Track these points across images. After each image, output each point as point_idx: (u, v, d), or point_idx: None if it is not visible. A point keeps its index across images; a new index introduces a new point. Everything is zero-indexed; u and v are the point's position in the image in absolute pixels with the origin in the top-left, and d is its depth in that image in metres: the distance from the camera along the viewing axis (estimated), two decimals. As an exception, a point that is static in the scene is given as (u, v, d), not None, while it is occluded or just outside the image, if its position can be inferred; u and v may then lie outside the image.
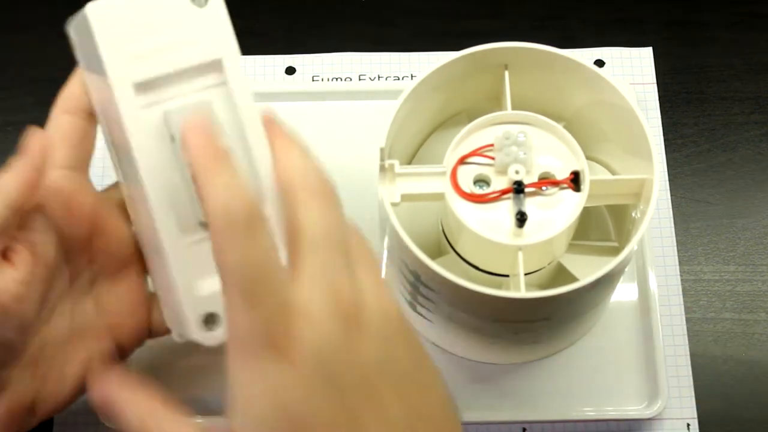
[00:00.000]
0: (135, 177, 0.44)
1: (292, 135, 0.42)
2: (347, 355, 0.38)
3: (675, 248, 0.63)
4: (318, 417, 0.37)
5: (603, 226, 0.59)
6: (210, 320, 0.44)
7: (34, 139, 0.45)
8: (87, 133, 0.47)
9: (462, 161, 0.53)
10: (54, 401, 0.48)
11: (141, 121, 0.43)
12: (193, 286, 0.44)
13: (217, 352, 0.43)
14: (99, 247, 0.48)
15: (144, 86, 0.43)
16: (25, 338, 0.46)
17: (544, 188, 0.52)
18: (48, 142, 0.45)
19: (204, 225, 0.44)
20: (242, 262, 0.37)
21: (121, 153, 0.46)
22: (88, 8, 0.43)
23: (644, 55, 0.68)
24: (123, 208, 0.49)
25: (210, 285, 0.44)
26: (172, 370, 0.57)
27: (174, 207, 0.44)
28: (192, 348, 0.46)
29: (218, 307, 0.44)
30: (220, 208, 0.37)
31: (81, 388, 0.49)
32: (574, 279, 0.54)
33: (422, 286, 0.52)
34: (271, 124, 0.42)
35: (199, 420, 0.51)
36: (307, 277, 0.38)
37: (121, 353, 0.50)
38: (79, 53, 0.47)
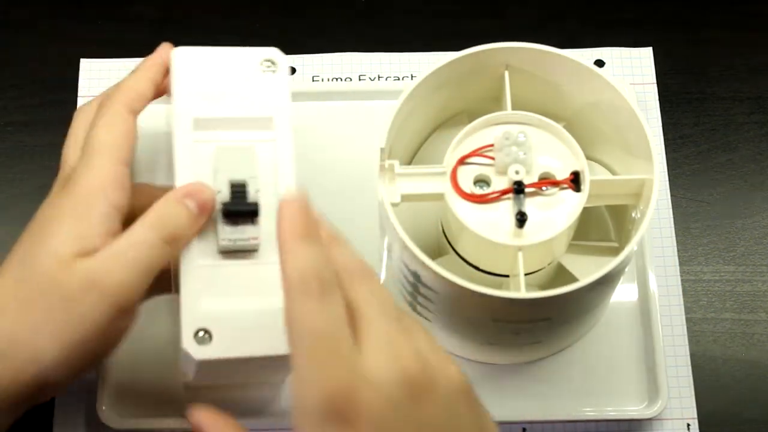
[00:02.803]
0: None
1: (328, 225, 0.44)
2: (413, 422, 0.39)
3: (675, 248, 0.63)
4: None
5: (603, 226, 0.59)
6: (202, 335, 0.47)
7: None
8: (134, 134, 0.51)
9: (462, 161, 0.53)
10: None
11: (190, 152, 0.50)
12: (196, 303, 0.47)
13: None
14: None
15: (202, 123, 0.50)
16: None
17: (544, 188, 0.52)
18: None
19: (222, 254, 0.49)
20: (314, 327, 0.39)
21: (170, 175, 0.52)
22: (174, 50, 0.51)
23: (644, 55, 0.68)
24: None
25: (209, 305, 0.47)
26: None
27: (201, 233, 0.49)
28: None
29: (211, 325, 0.47)
30: (298, 273, 0.40)
31: None
32: (574, 279, 0.54)
33: (422, 286, 0.52)
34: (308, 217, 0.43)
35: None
36: (372, 348, 0.40)
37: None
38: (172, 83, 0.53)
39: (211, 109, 0.51)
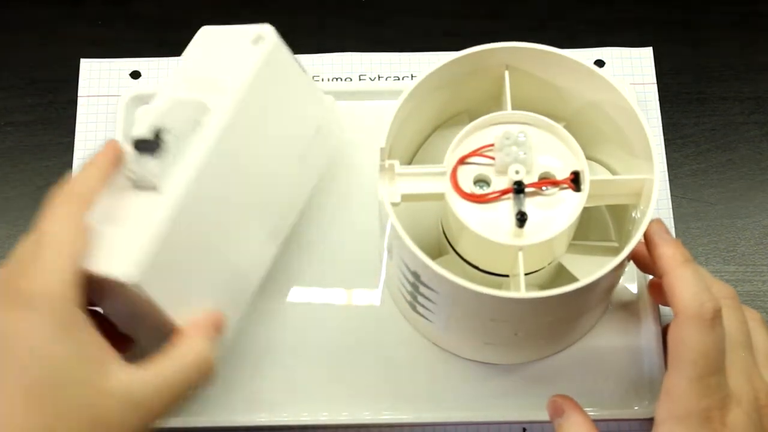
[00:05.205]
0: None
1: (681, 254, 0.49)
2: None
3: (675, 248, 0.63)
4: None
5: (603, 226, 0.59)
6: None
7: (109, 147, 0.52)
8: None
9: (462, 161, 0.53)
10: None
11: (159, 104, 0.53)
12: None
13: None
14: None
15: (184, 83, 0.54)
16: None
17: (544, 188, 0.52)
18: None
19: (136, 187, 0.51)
20: (704, 350, 0.46)
21: None
22: (201, 28, 0.57)
23: (644, 55, 0.68)
24: None
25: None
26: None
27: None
28: None
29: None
30: (693, 302, 0.47)
31: None
32: (574, 279, 0.54)
33: (422, 286, 0.52)
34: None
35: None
36: (735, 372, 0.48)
37: None
38: None
39: (194, 72, 0.54)
